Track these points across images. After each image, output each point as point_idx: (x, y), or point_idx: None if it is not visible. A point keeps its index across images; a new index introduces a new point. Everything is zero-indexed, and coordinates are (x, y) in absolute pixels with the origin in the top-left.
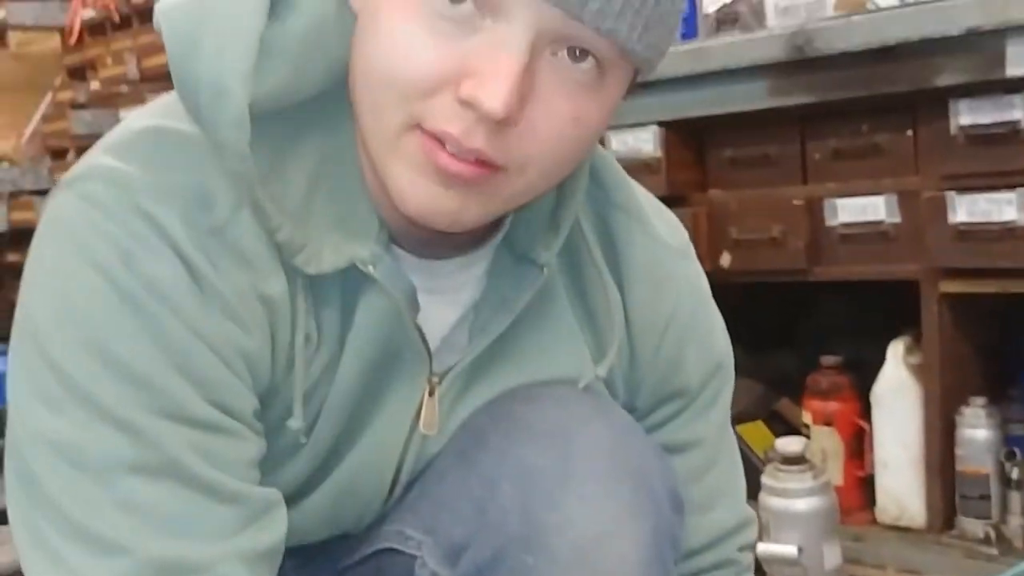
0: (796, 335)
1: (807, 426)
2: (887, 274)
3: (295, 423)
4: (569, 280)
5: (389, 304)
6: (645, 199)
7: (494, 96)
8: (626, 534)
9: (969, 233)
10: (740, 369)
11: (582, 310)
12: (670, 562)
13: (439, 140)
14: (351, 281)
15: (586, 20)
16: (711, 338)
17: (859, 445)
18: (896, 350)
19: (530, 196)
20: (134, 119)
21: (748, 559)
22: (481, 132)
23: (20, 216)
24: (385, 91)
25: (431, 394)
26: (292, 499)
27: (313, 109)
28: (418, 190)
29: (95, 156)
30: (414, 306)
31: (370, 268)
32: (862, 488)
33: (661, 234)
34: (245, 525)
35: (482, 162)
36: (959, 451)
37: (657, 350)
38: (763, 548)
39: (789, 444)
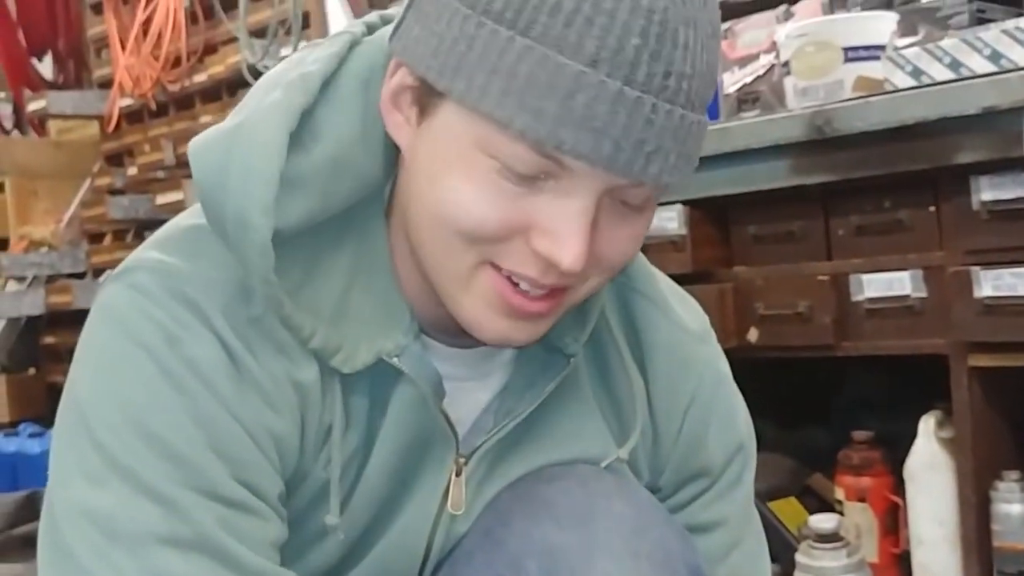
0: (827, 410)
1: (840, 502)
2: (915, 348)
3: (332, 519)
4: (593, 364)
5: (416, 392)
6: (666, 285)
7: (569, 256)
8: None
9: (995, 307)
10: (771, 444)
11: (605, 394)
12: None
13: (511, 279)
14: (380, 371)
15: (647, 181)
16: (732, 419)
17: (893, 521)
18: (927, 425)
19: (588, 296)
20: (180, 219)
21: None
22: (555, 272)
23: (57, 299)
24: (454, 237)
25: (458, 474)
26: None
27: (346, 217)
28: (492, 324)
29: (143, 251)
30: (439, 393)
31: (395, 360)
32: (898, 565)
33: (682, 319)
34: None
35: (555, 292)
36: (995, 527)
37: (679, 432)
38: None
39: (823, 521)
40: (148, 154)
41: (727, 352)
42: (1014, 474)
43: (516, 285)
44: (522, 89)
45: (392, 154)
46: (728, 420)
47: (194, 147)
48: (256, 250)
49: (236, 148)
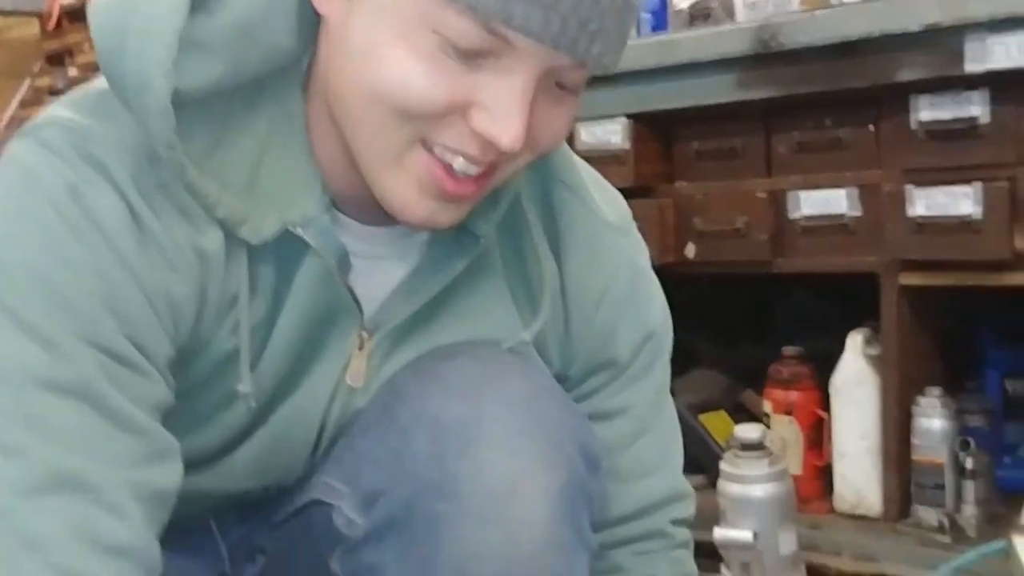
0: (763, 329)
1: (767, 415)
2: (847, 266)
3: (243, 388)
4: (508, 250)
5: (321, 265)
6: (588, 175)
7: (508, 135)
8: (535, 486)
9: (927, 226)
10: (706, 360)
11: (519, 279)
12: (583, 519)
13: (446, 162)
14: (287, 243)
15: (589, 62)
16: (645, 311)
17: (818, 435)
18: (855, 341)
19: (508, 178)
20: (95, 83)
21: (683, 534)
22: (492, 151)
23: None
24: (390, 114)
25: (360, 349)
26: (223, 450)
27: (260, 87)
28: (419, 207)
29: (54, 109)
30: (344, 267)
31: (299, 230)
32: (820, 477)
33: (601, 210)
34: (144, 460)
35: (484, 172)
36: (915, 441)
37: (591, 322)
38: (719, 533)
39: (747, 431)
40: (89, 54)
41: (665, 268)
42: (936, 390)
43: (448, 168)
44: None
45: (308, 26)
46: (641, 312)
47: (94, 8)
48: (156, 111)
49: (135, 9)
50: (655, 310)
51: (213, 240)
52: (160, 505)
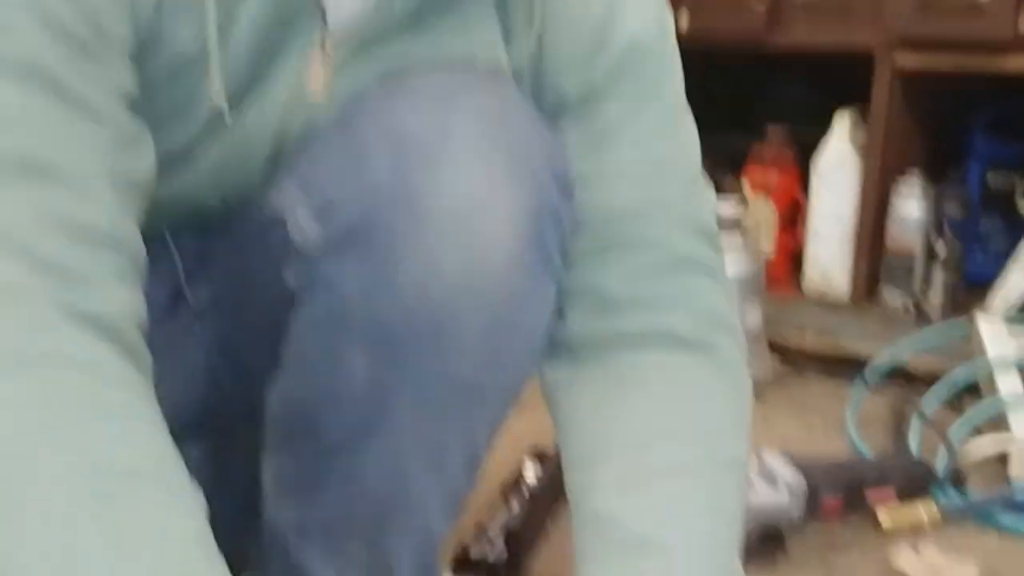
0: (751, 116)
1: (744, 196)
2: (845, 45)
3: (216, 96)
4: None
5: None
6: None
7: None
8: (501, 205)
9: (930, 3)
10: None
11: (507, 4)
12: (551, 245)
13: None
14: None
15: None
16: (620, 28)
17: (794, 217)
18: (842, 123)
19: None
20: None
21: (692, 248)
22: None
23: None
24: None
25: (324, 59)
26: (177, 158)
27: None
28: None
29: None
30: None
31: None
32: (792, 260)
33: None
34: (114, 148)
35: None
36: (890, 225)
37: (561, 53)
38: None
39: (722, 208)
40: None
41: None
42: (916, 177)
43: None
44: None
45: None
46: (614, 32)
47: None
48: None
49: None
50: (633, 17)
51: None
52: (137, 196)
